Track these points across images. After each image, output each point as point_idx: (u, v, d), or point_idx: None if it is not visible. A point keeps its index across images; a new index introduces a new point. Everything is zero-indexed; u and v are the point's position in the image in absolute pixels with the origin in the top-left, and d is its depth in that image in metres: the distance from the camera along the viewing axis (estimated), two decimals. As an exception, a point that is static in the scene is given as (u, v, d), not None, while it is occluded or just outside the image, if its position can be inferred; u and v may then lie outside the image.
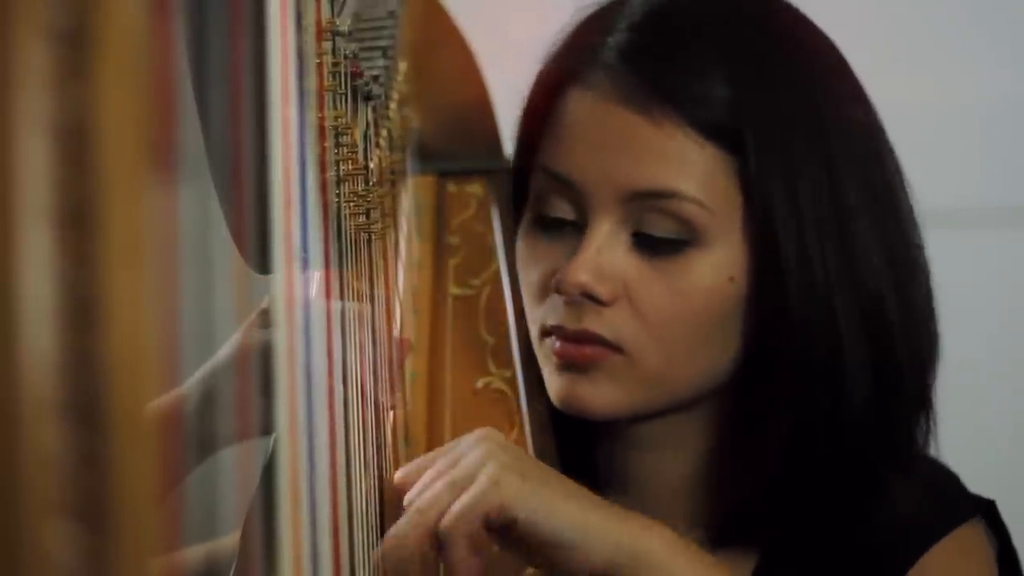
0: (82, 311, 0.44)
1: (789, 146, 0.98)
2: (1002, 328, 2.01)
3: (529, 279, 1.05)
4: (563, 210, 1.03)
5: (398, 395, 1.02)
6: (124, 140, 0.44)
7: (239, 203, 0.79)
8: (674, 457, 1.06)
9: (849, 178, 1.00)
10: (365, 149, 0.99)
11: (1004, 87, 2.04)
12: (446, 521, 0.84)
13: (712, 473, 1.05)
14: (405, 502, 0.88)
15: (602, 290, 0.99)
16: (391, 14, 1.17)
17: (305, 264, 0.78)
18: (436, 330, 1.21)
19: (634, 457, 1.07)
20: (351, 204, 0.95)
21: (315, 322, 0.84)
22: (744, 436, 1.02)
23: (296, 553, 0.73)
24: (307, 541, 0.73)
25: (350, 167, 0.94)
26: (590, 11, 1.07)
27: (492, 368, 1.15)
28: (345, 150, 0.92)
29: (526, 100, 1.09)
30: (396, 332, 1.04)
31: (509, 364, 1.14)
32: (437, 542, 0.85)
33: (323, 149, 0.88)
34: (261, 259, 0.79)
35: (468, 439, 0.89)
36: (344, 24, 0.90)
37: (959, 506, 1.05)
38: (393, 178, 1.17)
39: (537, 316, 1.04)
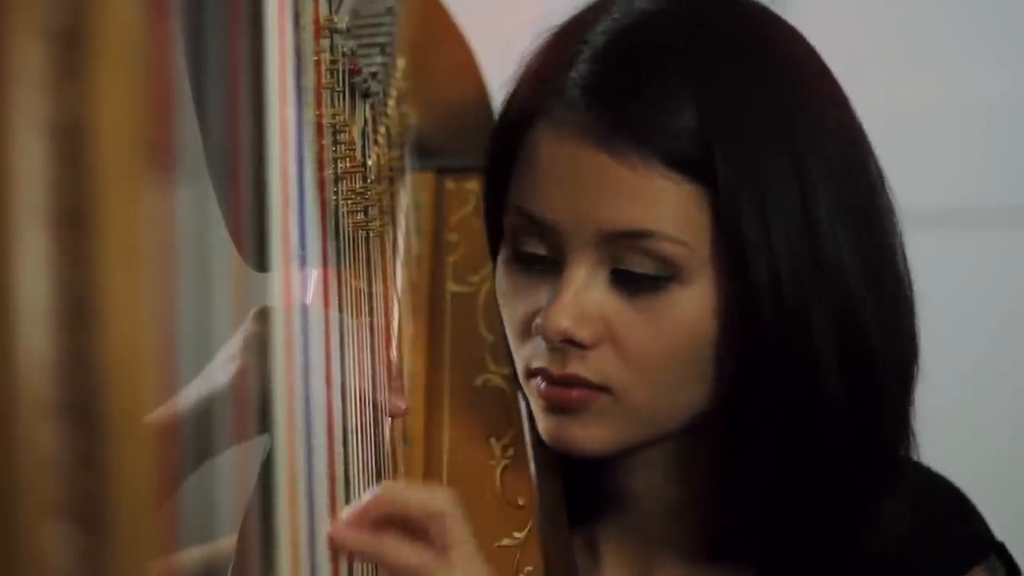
0: (79, 311, 0.44)
1: (759, 173, 0.96)
2: (1002, 328, 2.00)
3: (511, 317, 1.03)
4: (541, 251, 1.01)
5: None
6: (120, 140, 0.44)
7: (237, 201, 0.79)
8: (668, 478, 1.06)
9: (824, 194, 0.97)
10: (363, 146, 0.99)
11: (1004, 87, 2.04)
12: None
13: (704, 495, 1.04)
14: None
15: (584, 334, 0.98)
16: (389, 11, 1.17)
17: (303, 262, 0.78)
18: (434, 327, 1.21)
19: (630, 478, 1.07)
20: (349, 202, 0.94)
21: (313, 320, 0.84)
22: (728, 462, 1.01)
23: (294, 552, 0.73)
24: (305, 541, 0.73)
25: (348, 165, 0.93)
26: (552, 35, 1.04)
27: (491, 366, 1.15)
28: (343, 148, 0.91)
29: (493, 135, 1.06)
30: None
31: (508, 361, 1.14)
32: None
33: (321, 147, 0.88)
34: (259, 257, 0.79)
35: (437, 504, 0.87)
36: (342, 21, 0.89)
37: (960, 548, 1.04)
38: (391, 175, 1.17)
39: (522, 355, 1.03)
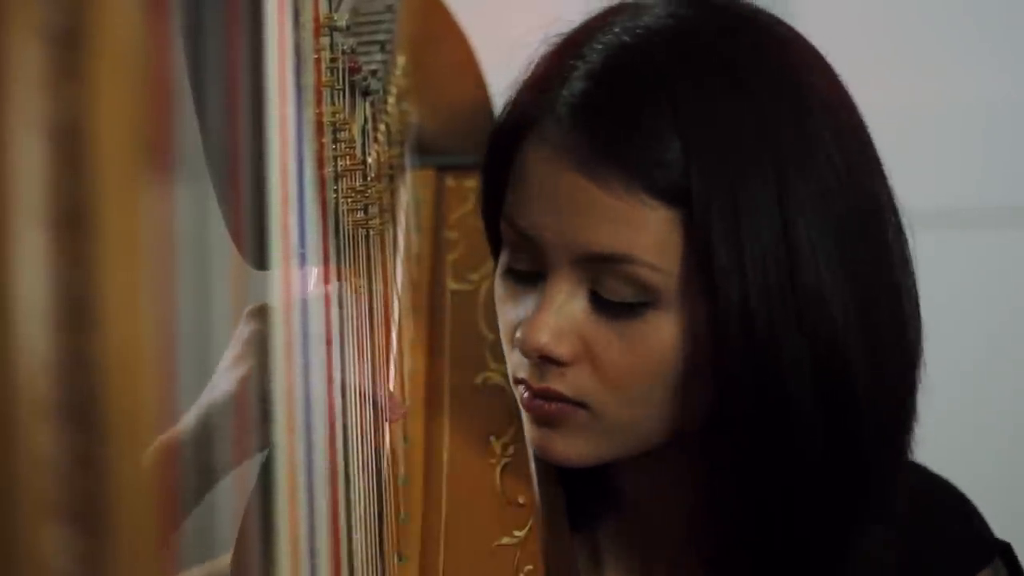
0: (78, 311, 0.44)
1: (738, 200, 0.95)
2: (1002, 328, 2.00)
3: (502, 323, 1.04)
4: (527, 263, 1.01)
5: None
6: (120, 140, 0.44)
7: (236, 200, 0.79)
8: (665, 484, 1.06)
9: (810, 222, 0.95)
10: (363, 144, 0.99)
11: (1005, 88, 2.04)
12: None
13: (692, 505, 1.04)
14: None
15: (562, 351, 0.98)
16: (389, 8, 1.17)
17: (303, 260, 0.78)
18: (434, 325, 1.21)
19: (629, 482, 1.07)
20: (349, 200, 0.94)
21: (312, 318, 0.84)
22: (709, 477, 1.01)
23: (294, 551, 0.73)
24: (305, 541, 0.73)
25: (348, 163, 0.93)
26: (557, 42, 1.03)
27: (491, 363, 1.15)
28: (343, 146, 0.91)
29: (489, 141, 1.06)
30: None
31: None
32: None
33: (321, 145, 0.87)
34: (259, 255, 0.79)
35: None
36: (342, 19, 0.89)
37: (964, 552, 1.04)
38: (391, 173, 1.17)
39: (511, 362, 1.03)
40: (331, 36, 0.89)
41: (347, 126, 0.91)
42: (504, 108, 1.05)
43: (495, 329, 1.16)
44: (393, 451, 1.04)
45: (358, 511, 0.88)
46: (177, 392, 0.48)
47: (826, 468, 0.97)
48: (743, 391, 0.96)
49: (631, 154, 0.95)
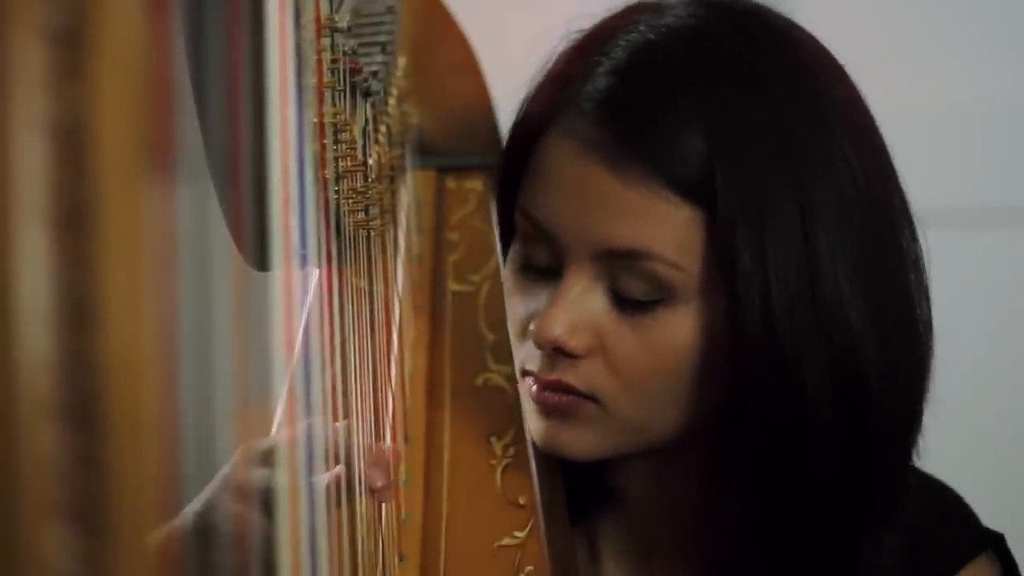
0: (79, 312, 0.44)
1: (761, 201, 0.95)
2: (1002, 328, 2.00)
3: (512, 315, 1.04)
4: (543, 256, 1.01)
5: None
6: (121, 140, 0.44)
7: (237, 201, 0.79)
8: (666, 482, 1.06)
9: (829, 228, 0.96)
10: (364, 145, 0.99)
11: (1004, 87, 2.04)
12: None
13: (696, 506, 1.04)
14: None
15: (575, 344, 0.98)
16: (390, 9, 1.17)
17: (304, 261, 0.78)
18: (435, 326, 1.21)
19: (629, 479, 1.07)
20: (350, 201, 0.94)
21: (314, 320, 0.84)
22: (713, 478, 1.01)
23: (295, 551, 0.73)
24: (305, 541, 0.73)
25: (349, 164, 0.93)
26: (578, 39, 1.04)
27: (491, 364, 1.15)
28: (344, 147, 0.91)
29: (509, 134, 1.07)
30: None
31: (508, 360, 1.14)
32: None
33: (322, 146, 0.87)
34: (260, 256, 0.79)
35: None
36: (343, 20, 0.89)
37: (962, 544, 1.04)
38: (392, 174, 1.17)
39: (519, 355, 1.04)
40: (332, 37, 0.89)
41: (348, 127, 0.91)
42: (524, 102, 1.06)
43: (496, 330, 1.16)
44: (394, 451, 1.03)
45: (358, 510, 0.88)
46: (178, 392, 0.48)
47: (839, 470, 0.98)
48: (761, 392, 0.96)
49: (655, 149, 0.96)
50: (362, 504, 0.88)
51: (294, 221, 0.73)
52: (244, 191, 0.77)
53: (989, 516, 1.09)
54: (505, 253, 1.07)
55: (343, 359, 0.89)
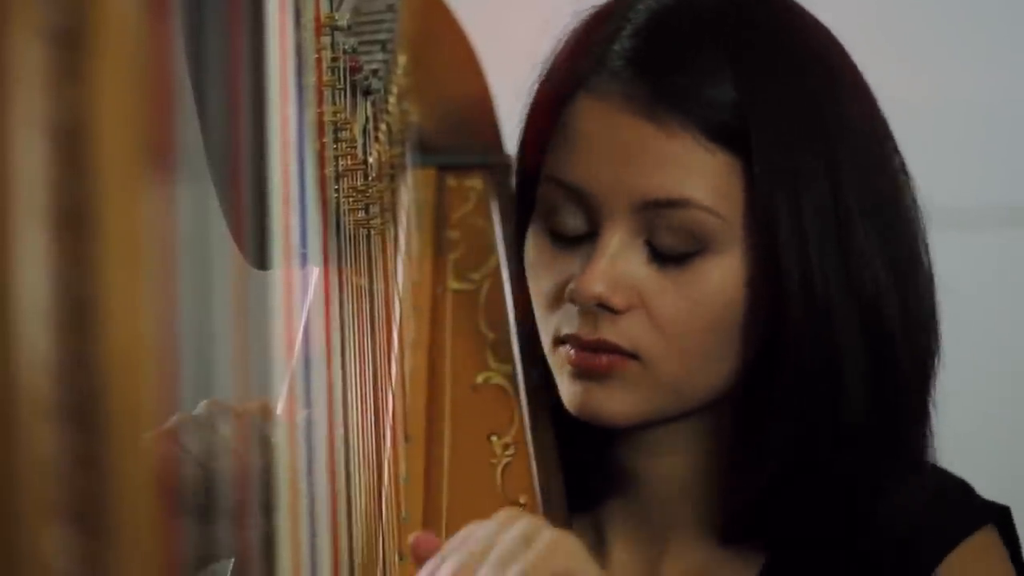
0: (79, 312, 0.44)
1: (793, 151, 0.99)
2: (1002, 328, 2.00)
3: (540, 288, 1.04)
4: (574, 221, 1.02)
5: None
6: (121, 140, 0.44)
7: (238, 200, 0.79)
8: (681, 460, 1.06)
9: (852, 185, 1.00)
10: (364, 144, 0.99)
11: (1004, 87, 2.04)
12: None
13: (717, 475, 1.05)
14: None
15: (617, 300, 0.99)
16: (390, 7, 1.17)
17: (304, 260, 0.78)
18: (435, 325, 1.21)
19: (641, 460, 1.07)
20: (350, 200, 0.94)
21: (314, 318, 0.84)
22: (746, 440, 1.02)
23: (295, 551, 0.73)
24: (306, 541, 0.73)
25: (349, 162, 0.93)
26: (591, 15, 1.06)
27: (492, 363, 1.15)
28: (344, 145, 0.91)
29: (529, 109, 1.08)
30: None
31: (509, 359, 1.14)
32: None
33: (322, 144, 0.88)
34: (260, 255, 0.79)
35: (497, 517, 0.86)
36: (343, 19, 0.89)
37: (973, 512, 1.05)
38: (392, 173, 1.17)
39: (550, 324, 1.03)
40: (332, 36, 0.89)
41: (348, 125, 0.92)
42: (541, 77, 1.08)
43: (496, 328, 1.16)
44: (394, 450, 1.04)
45: (359, 510, 0.88)
46: (178, 392, 0.48)
47: (867, 418, 1.01)
48: (797, 342, 0.99)
49: (689, 98, 0.99)
50: (360, 502, 0.89)
51: (294, 220, 0.73)
52: (244, 190, 0.77)
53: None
54: (519, 238, 1.08)
55: (343, 357, 0.89)
